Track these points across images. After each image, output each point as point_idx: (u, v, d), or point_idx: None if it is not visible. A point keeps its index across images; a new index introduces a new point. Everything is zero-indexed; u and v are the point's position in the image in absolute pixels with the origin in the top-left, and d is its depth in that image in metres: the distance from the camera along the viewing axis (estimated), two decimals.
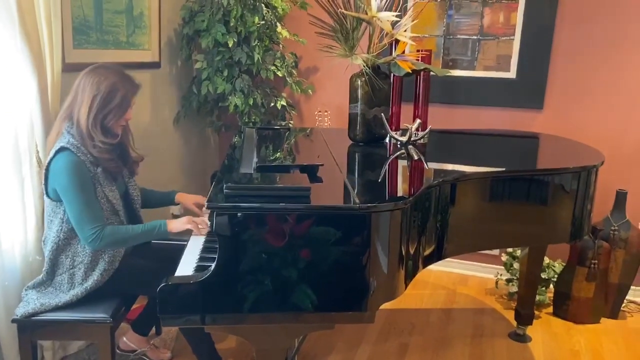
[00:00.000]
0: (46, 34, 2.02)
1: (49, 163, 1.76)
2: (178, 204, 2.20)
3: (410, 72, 2.19)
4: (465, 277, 3.24)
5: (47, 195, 1.81)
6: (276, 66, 3.02)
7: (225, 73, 2.92)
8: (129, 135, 1.99)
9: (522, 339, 2.57)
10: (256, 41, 2.91)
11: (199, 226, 1.89)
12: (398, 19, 2.10)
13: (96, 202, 1.79)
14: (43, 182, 1.79)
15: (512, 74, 2.97)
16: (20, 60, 1.94)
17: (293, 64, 3.16)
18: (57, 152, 1.75)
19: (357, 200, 1.47)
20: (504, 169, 2.00)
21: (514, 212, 1.97)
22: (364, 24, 2.17)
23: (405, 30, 2.16)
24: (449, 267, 3.27)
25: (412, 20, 2.17)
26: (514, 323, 2.64)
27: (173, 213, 3.10)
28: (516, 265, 2.86)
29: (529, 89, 2.95)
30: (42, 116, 2.04)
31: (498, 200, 1.94)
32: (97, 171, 1.81)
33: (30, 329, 1.80)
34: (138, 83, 1.89)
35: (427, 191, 1.66)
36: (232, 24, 2.82)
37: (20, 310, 1.79)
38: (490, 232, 1.94)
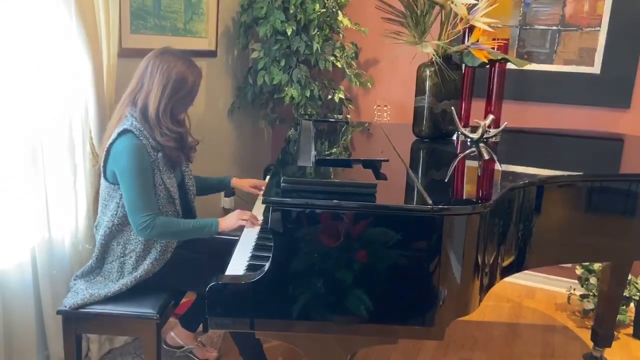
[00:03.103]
0: (103, 17, 1.96)
1: (111, 145, 1.72)
2: (234, 188, 2.15)
3: (486, 62, 1.99)
4: (532, 290, 2.99)
5: (105, 178, 1.76)
6: (335, 57, 2.88)
7: (282, 63, 2.81)
8: (187, 121, 1.93)
9: None
10: (316, 30, 2.78)
11: (251, 221, 1.78)
12: (476, 1, 1.90)
13: (152, 190, 1.73)
14: (102, 164, 1.75)
15: (595, 68, 2.71)
16: (76, 44, 1.89)
17: (353, 54, 3.01)
18: (119, 134, 1.71)
19: (430, 202, 1.30)
20: (603, 173, 1.78)
21: (606, 221, 1.74)
22: (435, 9, 1.99)
23: (482, 16, 1.96)
24: (513, 278, 3.01)
25: (491, 5, 1.97)
26: (589, 343, 2.39)
27: (224, 207, 3.02)
28: (592, 279, 2.60)
29: (614, 85, 2.68)
30: (96, 102, 1.99)
31: (589, 207, 1.72)
32: (157, 157, 1.76)
33: (74, 322, 1.74)
34: (200, 68, 1.83)
35: (509, 194, 1.46)
36: (291, 12, 2.70)
37: (69, 301, 1.73)
38: (579, 243, 1.71)
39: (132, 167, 1.68)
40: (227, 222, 1.79)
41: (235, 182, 2.14)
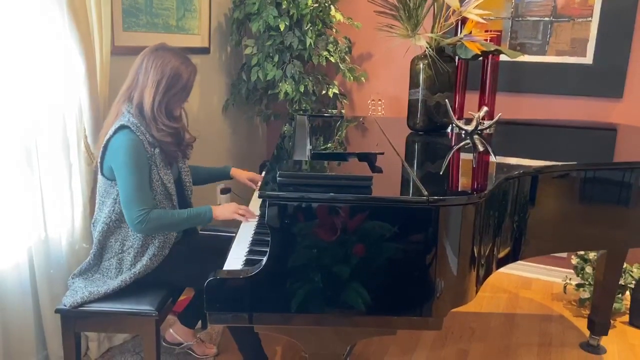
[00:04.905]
0: (95, 15, 1.95)
1: (108, 140, 1.72)
2: (232, 178, 2.20)
3: (479, 53, 1.99)
4: (528, 280, 3.01)
5: (102, 174, 1.77)
6: (329, 51, 2.88)
7: (276, 59, 2.80)
8: (184, 117, 1.93)
9: (596, 350, 2.34)
10: (309, 25, 2.77)
11: (246, 215, 1.80)
12: None
13: (148, 185, 1.73)
14: (99, 159, 1.76)
15: (588, 59, 2.71)
16: (69, 42, 1.88)
17: (346, 49, 3.01)
18: (117, 129, 1.71)
19: (426, 193, 1.30)
20: (597, 162, 1.79)
21: (600, 210, 1.76)
22: (428, 1, 1.99)
23: (474, 8, 1.96)
24: (510, 269, 3.04)
25: None
26: (586, 332, 2.41)
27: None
28: (588, 269, 2.61)
29: (607, 75, 2.69)
30: (90, 100, 1.98)
31: (583, 196, 1.73)
32: (154, 152, 1.76)
33: (73, 320, 1.74)
34: (195, 64, 1.83)
35: (504, 185, 1.47)
36: (284, 7, 2.70)
37: (68, 300, 1.72)
38: (574, 232, 1.73)
39: (128, 162, 1.68)
40: (222, 211, 1.80)
41: (234, 172, 2.19)
